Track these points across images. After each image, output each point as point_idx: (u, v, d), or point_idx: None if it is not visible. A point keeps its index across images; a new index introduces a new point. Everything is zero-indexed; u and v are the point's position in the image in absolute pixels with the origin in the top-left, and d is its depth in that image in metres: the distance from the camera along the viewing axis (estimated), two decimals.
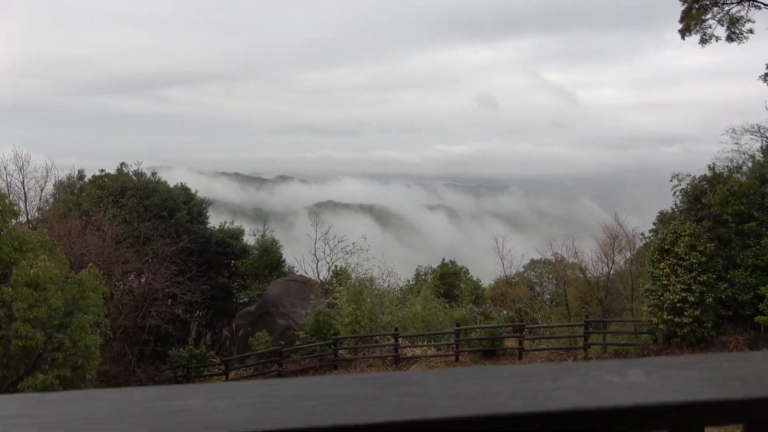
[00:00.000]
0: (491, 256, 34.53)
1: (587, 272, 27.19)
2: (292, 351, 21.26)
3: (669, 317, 16.84)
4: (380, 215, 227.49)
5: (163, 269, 21.27)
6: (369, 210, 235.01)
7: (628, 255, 26.51)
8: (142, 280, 20.83)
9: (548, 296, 37.95)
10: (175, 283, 21.49)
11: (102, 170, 30.66)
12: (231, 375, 22.20)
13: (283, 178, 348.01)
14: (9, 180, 25.12)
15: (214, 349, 30.21)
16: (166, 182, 32.17)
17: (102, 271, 15.98)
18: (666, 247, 17.45)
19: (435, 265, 45.90)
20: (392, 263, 29.58)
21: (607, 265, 24.78)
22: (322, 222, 35.12)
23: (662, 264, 17.31)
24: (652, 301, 17.44)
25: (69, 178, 31.78)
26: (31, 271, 12.59)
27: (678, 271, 16.94)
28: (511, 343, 20.44)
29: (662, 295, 17.08)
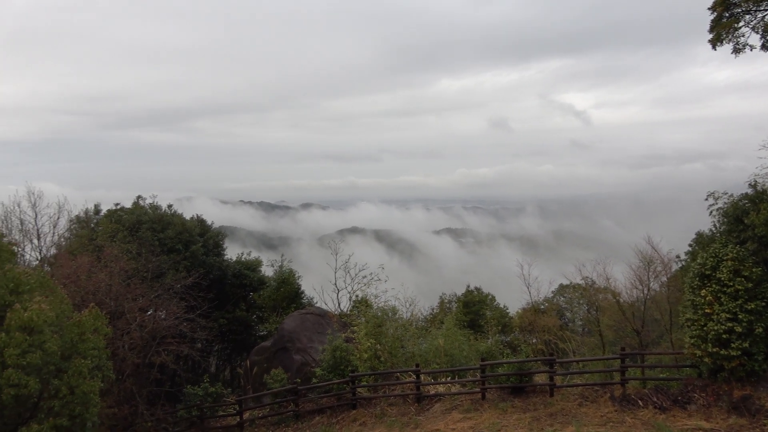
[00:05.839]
0: (514, 281, 33.05)
1: (620, 298, 25.64)
2: (308, 389, 20.17)
3: (714, 350, 15.38)
4: (393, 241, 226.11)
5: (173, 305, 20.48)
6: (377, 235, 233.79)
7: (664, 279, 24.91)
8: (148, 315, 20.01)
9: (579, 323, 36.25)
10: (185, 319, 20.67)
11: (117, 204, 30.32)
12: (246, 415, 21.18)
13: (305, 206, 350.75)
14: (22, 217, 24.79)
15: (232, 386, 29.24)
16: (182, 214, 31.70)
17: (106, 311, 15.23)
18: (707, 272, 16.06)
19: (459, 293, 44.54)
20: (410, 291, 28.43)
21: (643, 292, 23.20)
22: (341, 250, 34.18)
23: (704, 291, 15.91)
24: (694, 332, 16.00)
25: (86, 212, 31.56)
26: (25, 314, 11.86)
27: (722, 299, 15.53)
28: (541, 378, 19.06)
29: (705, 325, 15.65)
